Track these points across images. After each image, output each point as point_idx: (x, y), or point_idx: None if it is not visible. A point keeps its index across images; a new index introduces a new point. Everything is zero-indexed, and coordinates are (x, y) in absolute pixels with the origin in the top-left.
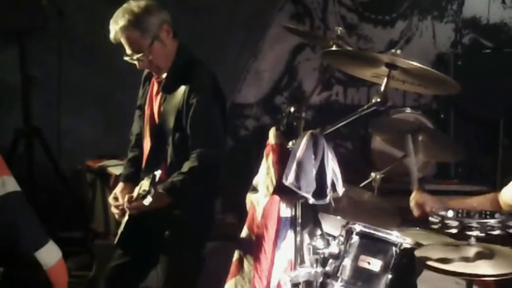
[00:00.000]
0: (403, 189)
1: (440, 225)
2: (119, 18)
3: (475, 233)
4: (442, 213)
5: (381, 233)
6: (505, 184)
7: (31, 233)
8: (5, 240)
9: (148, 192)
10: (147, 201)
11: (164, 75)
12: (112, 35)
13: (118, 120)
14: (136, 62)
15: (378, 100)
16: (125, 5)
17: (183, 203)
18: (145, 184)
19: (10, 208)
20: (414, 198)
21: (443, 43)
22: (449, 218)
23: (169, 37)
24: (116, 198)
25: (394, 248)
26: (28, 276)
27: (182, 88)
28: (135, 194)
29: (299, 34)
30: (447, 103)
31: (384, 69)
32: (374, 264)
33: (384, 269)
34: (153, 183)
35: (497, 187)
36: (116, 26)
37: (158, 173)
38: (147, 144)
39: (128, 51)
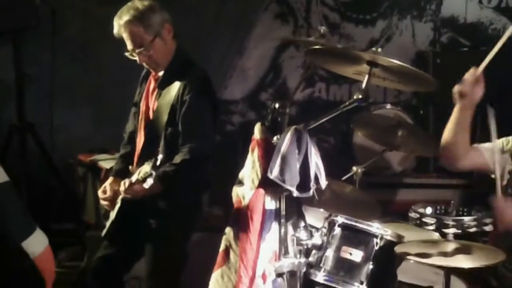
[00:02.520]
0: (384, 183)
1: (418, 221)
2: (123, 14)
3: (452, 230)
4: (421, 210)
5: (362, 225)
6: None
7: (19, 223)
8: None
9: (150, 175)
10: (148, 183)
11: (161, 73)
12: (115, 30)
13: (109, 115)
14: (136, 57)
15: (360, 96)
16: (129, 3)
17: (172, 193)
18: (145, 167)
19: (0, 200)
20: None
21: (422, 41)
22: (427, 216)
23: (170, 36)
24: (105, 192)
25: (374, 239)
26: (14, 266)
27: (177, 86)
28: (134, 178)
29: (297, 43)
30: (426, 99)
31: (365, 67)
32: (356, 254)
33: (365, 259)
34: (154, 167)
35: (474, 180)
36: (120, 21)
37: (160, 157)
38: (140, 139)
39: (130, 46)
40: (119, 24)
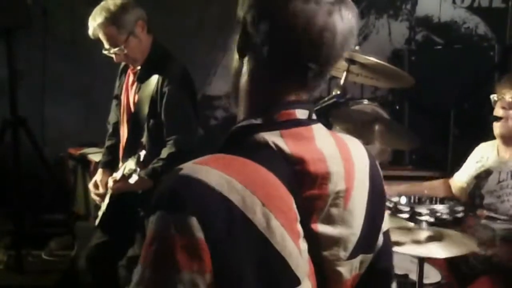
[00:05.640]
0: None
1: (393, 210)
2: (96, 16)
3: (425, 218)
4: (395, 199)
5: None
6: (456, 169)
7: None
8: None
9: (134, 171)
10: (133, 179)
11: (139, 67)
12: (90, 31)
13: (98, 110)
14: (113, 56)
15: (338, 92)
16: (102, 3)
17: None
18: (130, 163)
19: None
20: None
21: (398, 40)
22: (402, 204)
23: (144, 32)
24: (96, 186)
25: None
26: None
27: (155, 78)
28: (119, 174)
29: None
30: (402, 95)
31: (343, 64)
32: None
33: None
34: (138, 162)
35: (448, 172)
36: (94, 23)
37: (142, 153)
38: (124, 132)
39: (106, 45)
40: (94, 26)
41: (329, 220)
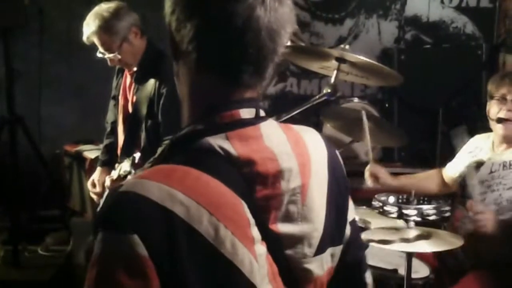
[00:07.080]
0: (352, 171)
1: (381, 210)
2: (90, 22)
3: (413, 218)
4: (383, 199)
5: None
6: (444, 166)
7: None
8: None
9: (129, 173)
10: None
11: (135, 68)
12: (84, 37)
13: (93, 108)
14: (107, 59)
15: (329, 91)
16: (96, 8)
17: None
18: (125, 165)
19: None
20: (369, 169)
21: (388, 39)
22: (390, 204)
23: (137, 37)
24: (94, 185)
25: None
26: None
27: (153, 79)
28: (115, 175)
29: None
30: (391, 93)
31: (334, 63)
32: None
33: None
34: (133, 165)
35: (436, 169)
36: (88, 29)
37: (137, 155)
38: (121, 132)
39: (101, 49)
40: (87, 32)
41: (289, 218)
